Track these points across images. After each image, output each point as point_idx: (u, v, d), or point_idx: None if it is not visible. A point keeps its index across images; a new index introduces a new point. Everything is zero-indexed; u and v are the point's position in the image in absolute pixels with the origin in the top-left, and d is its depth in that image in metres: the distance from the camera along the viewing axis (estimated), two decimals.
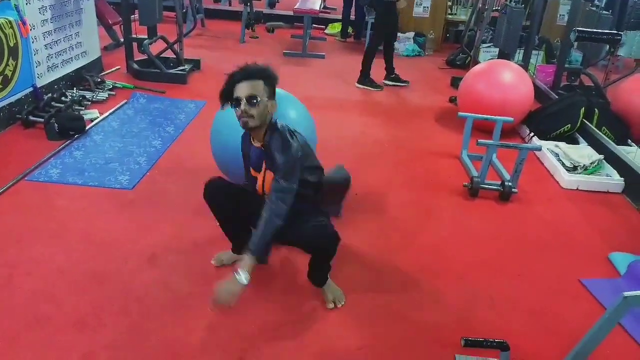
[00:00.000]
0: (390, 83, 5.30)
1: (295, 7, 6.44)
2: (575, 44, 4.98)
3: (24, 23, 3.58)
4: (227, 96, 1.98)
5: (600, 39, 4.09)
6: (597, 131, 3.81)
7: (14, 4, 3.54)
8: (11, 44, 3.46)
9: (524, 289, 2.35)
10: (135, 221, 2.61)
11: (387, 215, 2.88)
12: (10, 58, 3.46)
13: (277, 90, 2.04)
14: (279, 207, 1.89)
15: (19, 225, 2.49)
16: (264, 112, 1.95)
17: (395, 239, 2.66)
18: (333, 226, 2.07)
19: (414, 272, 2.40)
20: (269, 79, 1.98)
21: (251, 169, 2.13)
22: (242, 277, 1.79)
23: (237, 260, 2.00)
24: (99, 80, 4.37)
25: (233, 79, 1.96)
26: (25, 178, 2.89)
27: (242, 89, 1.92)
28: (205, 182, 2.19)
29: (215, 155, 2.80)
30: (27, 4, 3.64)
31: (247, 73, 1.95)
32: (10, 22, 3.44)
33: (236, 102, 1.93)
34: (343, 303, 2.17)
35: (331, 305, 2.14)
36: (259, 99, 1.92)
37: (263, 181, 2.06)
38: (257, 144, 2.06)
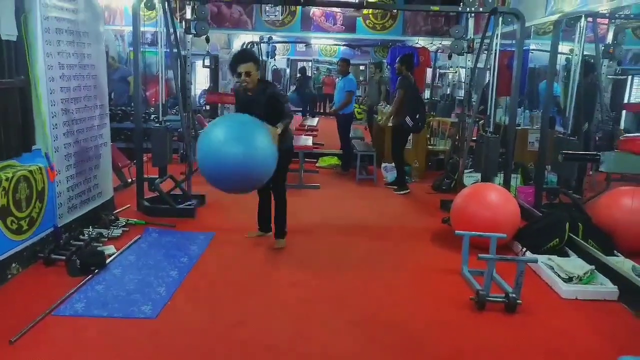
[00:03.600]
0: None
1: None
2: (549, 167, 5.52)
3: (52, 169, 3.91)
4: (233, 70, 3.88)
5: (584, 159, 4.64)
6: (585, 244, 4.10)
7: (44, 152, 3.90)
8: (39, 188, 3.74)
9: None
10: (164, 350, 2.69)
11: (401, 330, 3.00)
12: (37, 201, 3.72)
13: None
14: (288, 118, 3.96)
15: None
16: (253, 78, 3.87)
17: (411, 352, 2.77)
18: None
19: None
20: (256, 59, 3.91)
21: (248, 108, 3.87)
22: (278, 130, 3.73)
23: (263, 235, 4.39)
24: (113, 218, 4.62)
25: (235, 62, 3.84)
26: (52, 313, 2.98)
27: (241, 68, 3.81)
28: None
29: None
30: (55, 151, 4.00)
31: (242, 58, 3.84)
32: (40, 168, 3.76)
33: (238, 75, 3.83)
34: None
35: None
36: (251, 73, 3.83)
37: (251, 112, 3.73)
38: (252, 93, 3.92)
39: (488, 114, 6.06)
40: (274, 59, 13.27)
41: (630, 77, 8.14)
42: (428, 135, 7.85)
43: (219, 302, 3.27)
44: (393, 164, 6.85)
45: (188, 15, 5.86)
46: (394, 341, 2.88)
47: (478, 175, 5.78)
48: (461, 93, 9.88)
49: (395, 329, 3.02)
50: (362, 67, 18.15)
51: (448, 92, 10.95)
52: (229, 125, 3.59)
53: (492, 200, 4.36)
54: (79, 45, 4.37)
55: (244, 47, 10.90)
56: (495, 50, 5.62)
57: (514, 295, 3.27)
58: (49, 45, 3.88)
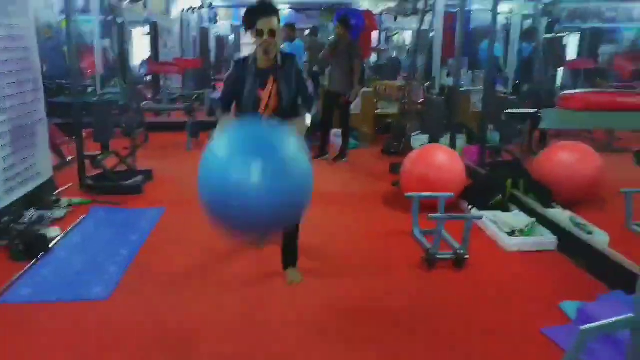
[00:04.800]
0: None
1: None
2: (491, 126, 5.70)
3: None
4: (249, 26, 2.67)
5: (526, 117, 4.86)
6: (526, 198, 4.30)
7: None
8: None
9: (493, 344, 2.58)
10: (118, 330, 2.64)
11: (354, 294, 3.08)
12: None
13: None
14: (314, 104, 2.99)
15: (3, 351, 2.45)
16: (278, 44, 2.74)
17: (365, 311, 2.85)
18: None
19: (386, 339, 2.58)
20: (279, 13, 2.71)
21: (257, 90, 2.79)
22: (307, 120, 2.84)
23: None
24: (55, 198, 4.42)
25: (254, 15, 2.65)
26: None
27: (264, 24, 2.63)
28: None
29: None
30: None
31: (265, 10, 2.65)
32: None
33: (259, 33, 2.65)
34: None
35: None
36: (276, 33, 2.67)
37: (269, 96, 2.78)
38: (265, 66, 2.77)
39: (433, 75, 6.16)
40: (217, 25, 12.89)
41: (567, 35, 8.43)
42: (375, 100, 7.89)
43: (173, 278, 3.23)
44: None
45: None
46: (348, 304, 2.96)
47: (425, 137, 5.90)
48: (406, 56, 9.96)
49: (349, 293, 3.09)
50: (307, 32, 17.93)
51: (394, 55, 11.01)
52: (242, 138, 2.23)
53: (439, 161, 4.47)
54: (5, 15, 4.05)
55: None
56: (439, 12, 5.67)
57: (461, 251, 3.41)
58: None
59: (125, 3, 5.60)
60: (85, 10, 8.68)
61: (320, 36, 10.49)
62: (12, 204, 4.04)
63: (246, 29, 2.73)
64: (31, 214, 4.07)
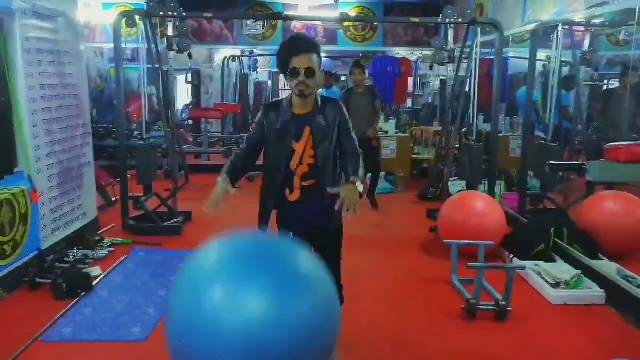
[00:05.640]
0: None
1: None
2: (532, 172, 5.60)
3: (35, 191, 3.85)
4: (284, 67, 2.29)
5: (571, 169, 4.73)
6: (570, 248, 4.16)
7: (27, 175, 3.83)
8: (22, 211, 3.68)
9: None
10: None
11: (393, 342, 3.00)
12: (21, 224, 3.66)
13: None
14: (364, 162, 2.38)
15: None
16: (317, 82, 2.30)
17: None
18: None
19: None
20: (319, 52, 2.31)
21: (292, 141, 2.36)
22: (359, 186, 2.23)
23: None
24: (98, 238, 4.55)
25: (289, 51, 2.27)
26: (39, 339, 2.92)
27: (300, 61, 2.24)
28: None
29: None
30: (38, 173, 3.94)
31: (301, 46, 2.28)
32: (23, 191, 3.70)
33: (294, 73, 2.25)
34: None
35: None
36: (316, 72, 2.27)
37: (303, 150, 2.36)
38: (302, 111, 2.35)
39: (470, 122, 6.14)
40: (257, 72, 13.30)
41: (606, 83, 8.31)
42: (412, 144, 7.91)
43: None
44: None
45: (169, 31, 5.85)
46: (387, 354, 2.88)
47: (463, 183, 5.84)
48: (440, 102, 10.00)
49: (387, 341, 3.02)
50: (343, 78, 18.32)
51: (430, 101, 11.06)
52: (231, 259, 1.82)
53: (478, 208, 4.40)
54: (60, 64, 4.32)
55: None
56: (475, 59, 5.70)
57: (504, 302, 3.30)
58: (29, 66, 3.83)
59: (171, 53, 5.88)
60: (133, 59, 9.18)
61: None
62: (58, 244, 4.19)
63: (280, 69, 2.34)
64: (75, 253, 4.20)
